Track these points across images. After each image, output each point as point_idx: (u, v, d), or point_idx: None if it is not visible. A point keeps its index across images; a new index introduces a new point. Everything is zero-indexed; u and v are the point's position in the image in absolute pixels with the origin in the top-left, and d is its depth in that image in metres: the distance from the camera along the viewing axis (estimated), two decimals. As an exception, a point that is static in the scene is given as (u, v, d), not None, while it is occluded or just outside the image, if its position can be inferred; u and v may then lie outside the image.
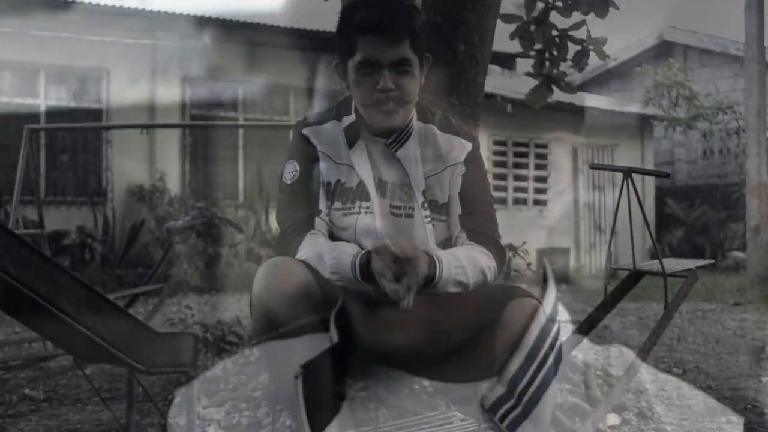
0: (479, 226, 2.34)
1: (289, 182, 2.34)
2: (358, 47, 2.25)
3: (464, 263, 2.21)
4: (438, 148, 2.37)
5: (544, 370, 2.07)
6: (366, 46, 2.24)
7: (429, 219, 2.32)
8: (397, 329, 2.22)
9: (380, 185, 2.32)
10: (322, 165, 2.32)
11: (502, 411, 2.09)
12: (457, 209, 2.35)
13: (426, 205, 2.32)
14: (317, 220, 2.29)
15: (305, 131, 2.36)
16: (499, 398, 2.09)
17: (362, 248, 2.23)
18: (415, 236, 2.29)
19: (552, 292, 2.18)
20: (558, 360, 2.09)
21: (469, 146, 2.40)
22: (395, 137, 2.33)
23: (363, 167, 2.31)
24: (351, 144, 2.33)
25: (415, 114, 2.37)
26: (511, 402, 2.08)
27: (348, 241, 2.28)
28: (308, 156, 2.34)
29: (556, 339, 2.10)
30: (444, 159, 2.37)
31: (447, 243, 2.36)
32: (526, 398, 2.07)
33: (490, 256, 2.29)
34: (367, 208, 2.29)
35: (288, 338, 2.05)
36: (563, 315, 2.25)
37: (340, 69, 2.35)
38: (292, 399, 2.14)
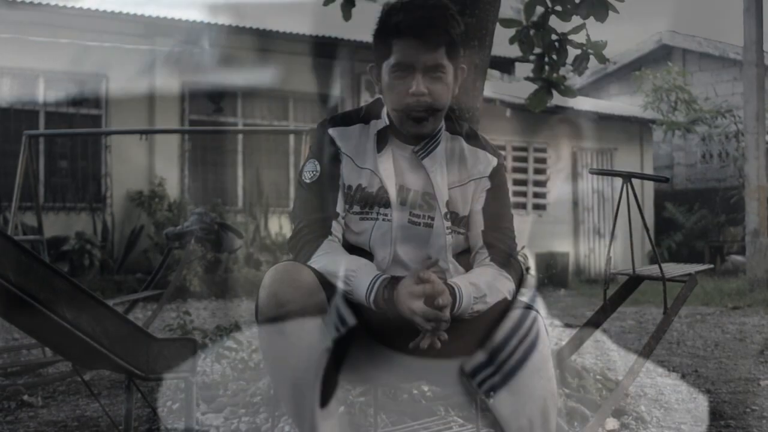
0: (501, 244, 2.33)
1: (308, 181, 2.31)
2: (394, 50, 2.23)
3: (485, 292, 2.20)
4: (464, 160, 2.36)
5: (526, 342, 2.09)
6: (402, 48, 2.22)
7: (449, 230, 2.30)
8: (392, 335, 2.21)
9: (402, 192, 2.30)
10: (344, 167, 2.30)
11: (480, 377, 2.10)
12: (479, 224, 2.33)
13: (448, 216, 2.30)
14: (334, 223, 2.27)
15: (331, 131, 2.33)
16: (479, 365, 2.10)
17: (374, 255, 2.24)
18: (432, 245, 2.28)
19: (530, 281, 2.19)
20: (537, 337, 2.11)
21: (495, 161, 2.38)
22: (423, 145, 2.31)
23: (387, 174, 2.29)
24: (380, 149, 2.30)
25: (443, 124, 2.36)
26: (491, 369, 2.09)
27: (361, 246, 2.28)
28: (331, 156, 2.31)
29: (535, 319, 2.13)
30: (469, 172, 2.35)
31: (464, 256, 2.35)
32: (506, 367, 2.08)
33: (511, 279, 2.28)
34: (386, 215, 2.27)
35: (295, 330, 2.04)
36: (563, 319, 2.26)
37: (375, 72, 2.32)
38: (294, 397, 2.14)
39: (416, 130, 2.28)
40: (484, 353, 2.10)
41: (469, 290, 2.17)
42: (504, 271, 2.28)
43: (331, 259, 2.20)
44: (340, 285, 2.16)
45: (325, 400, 2.13)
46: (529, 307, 2.16)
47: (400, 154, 2.32)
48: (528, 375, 2.09)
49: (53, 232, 10.22)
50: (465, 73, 2.34)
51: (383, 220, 2.28)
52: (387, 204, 2.28)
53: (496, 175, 2.38)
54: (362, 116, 2.37)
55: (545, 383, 2.12)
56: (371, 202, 2.29)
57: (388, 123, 2.32)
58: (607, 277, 3.70)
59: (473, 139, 2.40)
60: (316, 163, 2.32)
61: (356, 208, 2.29)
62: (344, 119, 2.38)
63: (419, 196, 2.31)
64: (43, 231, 5.71)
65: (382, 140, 2.32)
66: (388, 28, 2.26)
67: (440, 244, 2.28)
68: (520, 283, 2.34)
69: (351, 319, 2.12)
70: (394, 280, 2.14)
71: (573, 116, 14.62)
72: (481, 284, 2.21)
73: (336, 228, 2.28)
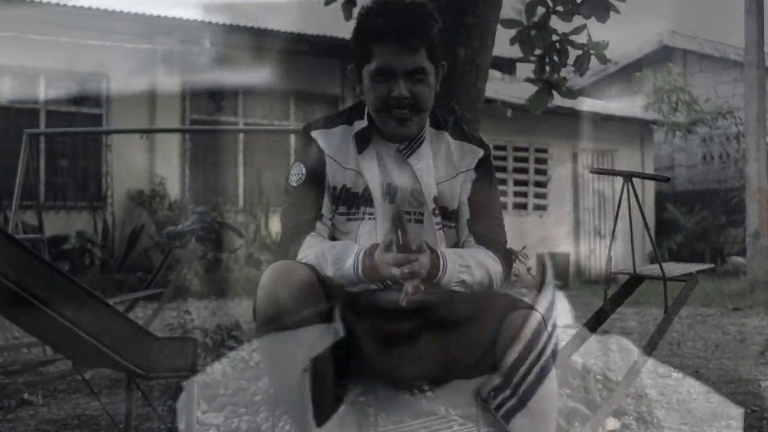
0: (486, 230, 2.34)
1: (294, 184, 2.33)
2: (374, 54, 2.23)
3: (469, 262, 2.21)
4: (450, 154, 2.36)
5: (540, 363, 2.07)
6: (381, 54, 2.22)
7: (440, 225, 2.31)
8: (398, 337, 2.21)
9: (390, 190, 2.31)
10: (329, 169, 2.31)
11: (497, 401, 2.10)
12: (465, 214, 2.35)
13: (437, 211, 2.31)
14: (319, 224, 2.28)
15: (314, 134, 2.35)
16: (495, 388, 2.10)
17: None
18: None
19: (549, 292, 2.17)
20: (554, 354, 2.11)
21: (481, 153, 2.39)
22: (408, 143, 2.32)
23: (371, 173, 2.29)
24: (361, 149, 2.31)
25: (428, 120, 2.36)
26: (507, 392, 2.08)
27: None
28: (315, 159, 2.32)
29: (551, 335, 2.11)
30: (456, 166, 2.36)
31: None
32: (522, 389, 2.07)
33: (497, 261, 2.29)
34: (371, 214, 2.28)
35: (293, 329, 2.04)
36: (564, 319, 2.26)
37: (355, 74, 2.33)
38: (293, 397, 2.14)
39: (400, 131, 2.28)
40: (499, 375, 2.09)
41: (453, 257, 2.19)
42: (490, 252, 2.29)
43: (315, 252, 2.21)
44: (331, 273, 2.17)
45: (324, 399, 2.13)
46: (543, 320, 2.14)
47: (385, 153, 2.33)
48: (544, 397, 2.09)
49: (54, 231, 10.20)
50: (446, 69, 2.35)
51: (369, 219, 2.29)
52: (372, 203, 2.28)
53: (483, 166, 2.39)
54: (345, 118, 2.38)
55: (556, 398, 2.13)
56: (357, 202, 2.30)
57: (367, 123, 2.33)
58: (607, 276, 3.70)
59: (458, 132, 2.41)
60: (302, 166, 2.34)
61: (342, 209, 2.31)
62: (327, 122, 2.39)
63: (407, 193, 2.32)
64: (44, 230, 5.70)
65: (363, 140, 2.32)
66: (366, 32, 2.26)
67: (431, 240, 2.28)
68: (509, 269, 2.35)
69: (341, 330, 2.13)
70: (373, 247, 2.15)
71: (574, 117, 14.61)
72: (466, 255, 2.23)
73: (321, 229, 2.29)
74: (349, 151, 2.32)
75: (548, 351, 2.09)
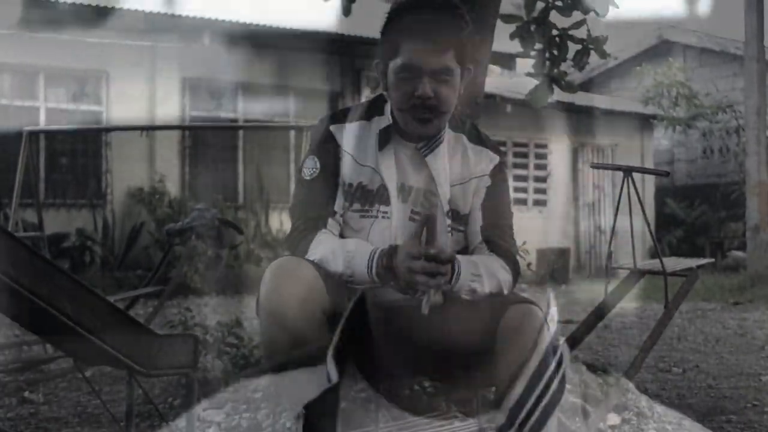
0: (499, 239, 2.33)
1: (307, 178, 2.30)
2: (401, 51, 2.20)
3: (481, 272, 2.20)
4: (467, 158, 2.35)
5: (544, 401, 2.03)
6: (408, 50, 2.19)
7: (450, 228, 2.30)
8: (398, 332, 2.21)
9: (403, 190, 2.30)
10: (344, 165, 2.29)
11: (519, 419, 2.04)
12: (478, 220, 2.33)
13: (449, 213, 2.30)
14: (330, 221, 2.27)
15: (332, 128, 2.32)
16: (499, 428, 2.06)
17: None
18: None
19: (554, 322, 2.15)
20: (560, 390, 2.05)
21: (496, 159, 2.39)
22: (426, 142, 2.30)
23: (388, 172, 2.28)
24: (381, 147, 2.29)
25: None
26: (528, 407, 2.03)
27: None
28: (331, 154, 2.30)
29: (558, 368, 2.05)
30: (471, 170, 2.35)
31: (463, 253, 2.33)
32: (526, 429, 2.03)
33: (508, 270, 2.28)
34: (385, 212, 2.27)
35: (296, 368, 2.04)
36: (564, 315, 2.24)
37: (381, 69, 2.30)
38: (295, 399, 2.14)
39: (421, 131, 2.27)
40: (503, 415, 2.04)
41: (467, 266, 2.18)
42: (503, 261, 2.28)
43: (326, 248, 2.19)
44: (341, 270, 2.15)
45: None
46: (553, 348, 2.08)
47: (403, 152, 2.31)
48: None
49: (54, 229, 10.18)
50: (471, 72, 2.32)
51: (383, 217, 2.27)
52: (387, 201, 2.27)
53: (497, 173, 2.38)
54: (364, 113, 2.35)
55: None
56: (371, 199, 2.28)
57: (391, 121, 2.30)
58: (608, 271, 3.70)
59: (475, 136, 2.40)
60: (316, 160, 2.31)
61: (356, 206, 2.29)
62: (345, 116, 2.36)
63: (421, 194, 2.31)
64: (44, 227, 5.70)
65: (384, 138, 2.30)
66: (396, 28, 2.23)
67: (441, 242, 2.26)
68: (517, 278, 2.33)
69: (334, 376, 2.11)
70: (392, 249, 2.13)
71: (574, 112, 14.60)
72: (479, 264, 2.22)
73: (332, 225, 2.27)
74: (367, 147, 2.30)
75: (552, 388, 2.03)
